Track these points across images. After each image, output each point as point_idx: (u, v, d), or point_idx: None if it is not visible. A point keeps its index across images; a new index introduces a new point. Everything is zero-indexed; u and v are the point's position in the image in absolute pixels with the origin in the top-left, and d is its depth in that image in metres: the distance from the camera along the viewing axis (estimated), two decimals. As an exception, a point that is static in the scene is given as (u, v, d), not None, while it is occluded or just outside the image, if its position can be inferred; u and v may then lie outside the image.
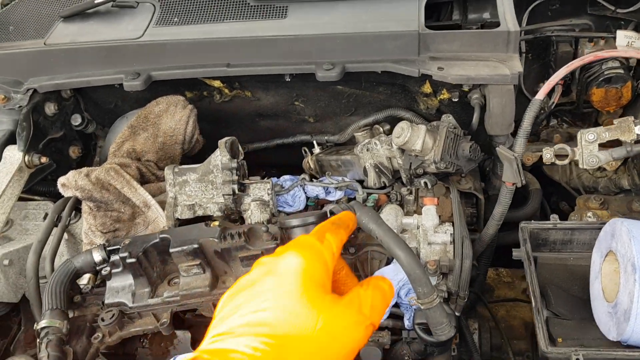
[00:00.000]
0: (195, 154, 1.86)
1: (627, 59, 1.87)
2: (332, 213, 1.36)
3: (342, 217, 1.00)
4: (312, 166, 1.91)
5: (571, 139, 2.04)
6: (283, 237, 1.31)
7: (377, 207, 1.70)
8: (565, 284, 1.45)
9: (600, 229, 1.36)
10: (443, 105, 1.73)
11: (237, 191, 1.50)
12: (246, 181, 1.54)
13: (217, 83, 1.80)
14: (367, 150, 1.65)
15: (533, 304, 1.27)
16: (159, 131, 1.69)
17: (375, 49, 1.60)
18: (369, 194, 1.70)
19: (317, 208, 1.72)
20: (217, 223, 1.34)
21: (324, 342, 0.70)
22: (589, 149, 1.41)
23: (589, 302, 1.38)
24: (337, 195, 1.71)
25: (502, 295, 2.02)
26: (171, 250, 1.29)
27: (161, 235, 1.34)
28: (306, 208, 1.69)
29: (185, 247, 1.29)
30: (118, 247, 1.35)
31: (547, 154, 1.45)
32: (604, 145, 1.41)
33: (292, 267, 0.74)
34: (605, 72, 1.87)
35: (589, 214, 1.71)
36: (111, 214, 1.53)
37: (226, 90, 1.84)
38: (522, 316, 1.95)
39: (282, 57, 1.65)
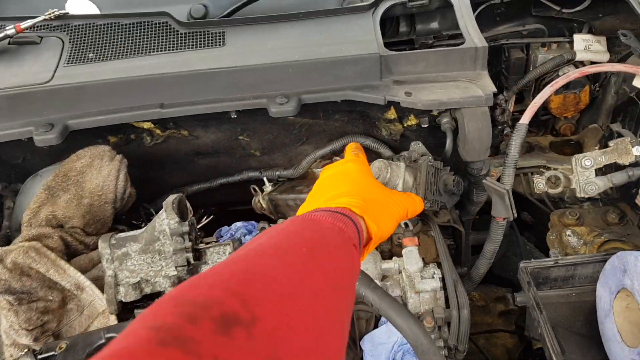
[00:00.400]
0: (129, 209, 1.58)
1: (582, 62, 1.80)
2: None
3: (353, 145, 1.34)
4: (264, 206, 1.69)
5: (531, 149, 1.96)
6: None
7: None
8: (570, 322, 1.33)
9: (604, 261, 1.25)
10: (408, 131, 1.56)
11: (192, 260, 1.25)
12: (202, 246, 1.30)
13: (147, 125, 1.53)
14: None
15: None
16: (83, 191, 1.40)
17: (333, 76, 1.41)
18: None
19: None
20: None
21: (386, 204, 1.08)
22: (585, 175, 1.29)
23: (597, 340, 1.27)
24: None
25: (479, 322, 1.90)
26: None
27: (108, 335, 1.08)
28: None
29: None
30: (53, 353, 1.07)
31: (540, 184, 1.33)
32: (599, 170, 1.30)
33: (354, 168, 1.15)
34: (563, 79, 1.79)
35: (568, 232, 1.62)
36: (36, 306, 1.23)
37: (158, 132, 1.58)
38: (503, 343, 1.84)
39: (225, 91, 1.42)
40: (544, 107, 1.90)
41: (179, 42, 1.48)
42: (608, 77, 1.75)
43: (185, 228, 1.25)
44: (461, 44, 1.45)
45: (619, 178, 1.28)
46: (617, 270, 1.20)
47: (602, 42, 1.73)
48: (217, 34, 1.48)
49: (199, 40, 1.48)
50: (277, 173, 1.67)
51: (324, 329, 0.64)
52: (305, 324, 0.61)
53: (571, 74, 1.31)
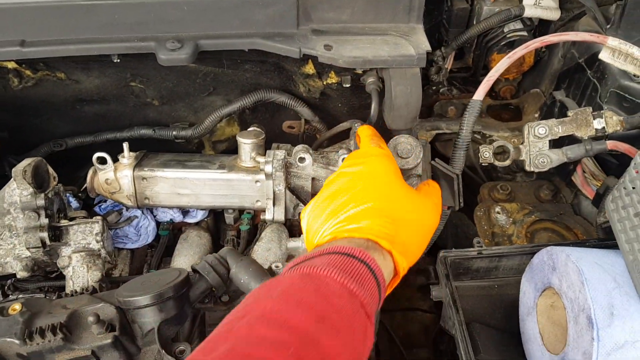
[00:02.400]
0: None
1: (530, 19, 1.61)
2: (195, 272, 0.97)
3: (370, 132, 1.00)
4: (120, 186, 1.22)
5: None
6: (123, 321, 0.88)
7: (255, 227, 1.32)
8: (488, 315, 1.20)
9: (532, 253, 1.11)
10: (329, 89, 1.35)
11: (48, 242, 1.02)
12: (63, 222, 1.06)
13: (11, 64, 1.25)
14: (283, 169, 1.19)
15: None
16: None
17: (240, 19, 1.16)
18: (241, 212, 1.30)
19: (173, 235, 1.29)
20: (18, 308, 0.87)
21: (419, 221, 0.85)
22: (538, 146, 1.13)
23: (516, 337, 1.15)
24: (200, 215, 1.29)
25: (397, 293, 1.76)
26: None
27: None
28: (157, 239, 1.25)
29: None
30: None
31: (486, 153, 1.16)
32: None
33: (381, 169, 0.87)
34: (508, 35, 1.61)
35: (497, 209, 1.48)
36: None
37: (27, 72, 1.30)
38: (420, 319, 1.73)
39: (103, 30, 1.15)
40: (484, 66, 1.71)
41: (46, -37, 1.18)
42: (556, 38, 1.57)
43: (41, 201, 1.01)
44: (395, -10, 1.23)
45: (575, 152, 1.12)
46: (546, 266, 1.06)
47: (554, -2, 1.54)
48: (97, -43, 1.19)
49: (73, -38, 1.18)
50: (174, 133, 1.40)
51: None
52: None
53: (531, 43, 1.12)
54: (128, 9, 1.13)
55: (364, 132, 0.99)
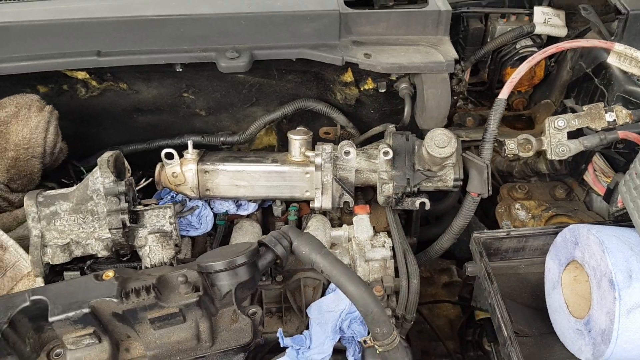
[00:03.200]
0: (58, 166, 1.45)
1: (539, 35, 1.78)
2: (262, 245, 1.10)
3: None
4: (185, 178, 1.35)
5: (484, 122, 1.93)
6: (205, 284, 1.01)
7: (300, 219, 1.45)
8: (517, 293, 1.32)
9: (555, 233, 1.24)
10: (364, 96, 1.50)
11: (128, 223, 1.15)
12: (139, 208, 1.20)
13: (81, 74, 1.40)
14: (331, 161, 1.32)
15: (503, 330, 1.12)
16: (7, 143, 1.27)
17: (289, 32, 1.32)
18: (287, 204, 1.44)
19: (227, 226, 1.42)
20: (111, 274, 1.00)
21: None
22: (558, 137, 1.27)
23: (543, 312, 1.27)
24: (251, 208, 1.42)
25: (423, 292, 1.88)
26: (51, 319, 0.94)
27: (33, 297, 0.97)
28: (214, 228, 1.38)
29: (71, 314, 0.94)
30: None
31: (511, 144, 1.30)
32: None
33: None
34: (520, 51, 1.77)
35: (517, 205, 1.61)
36: (-50, 267, 1.11)
37: (94, 83, 1.45)
38: (445, 314, 1.84)
39: (170, 42, 1.31)
40: (499, 80, 1.87)
41: (121, -15, 1.35)
42: (564, 53, 1.74)
43: (122, 188, 1.14)
44: (423, 6, 1.39)
45: (591, 141, 1.26)
46: (568, 242, 1.19)
47: (562, 16, 1.71)
48: (163, -22, 1.36)
49: (142, -16, 1.35)
50: (222, 139, 1.55)
51: None
52: None
53: (548, 49, 1.28)
54: (192, 22, 1.29)
55: None
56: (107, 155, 1.17)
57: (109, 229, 1.15)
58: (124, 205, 1.15)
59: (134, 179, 1.47)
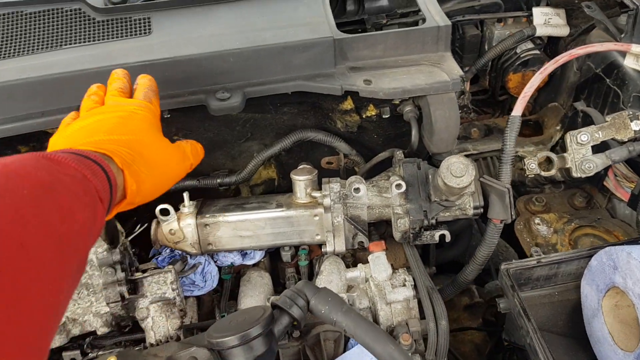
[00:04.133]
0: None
1: (540, 37, 1.70)
2: (276, 307, 1.00)
3: (149, 84, 1.06)
4: (185, 235, 1.23)
5: (490, 132, 1.85)
6: (219, 363, 0.91)
7: (311, 262, 1.35)
8: (552, 322, 1.23)
9: (590, 256, 1.15)
10: (366, 122, 1.41)
11: (127, 295, 1.05)
12: (137, 275, 1.10)
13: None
14: (341, 200, 1.23)
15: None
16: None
17: (282, 65, 1.22)
18: (297, 250, 1.34)
19: (234, 278, 1.32)
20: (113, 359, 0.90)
21: (162, 165, 0.95)
22: (582, 153, 1.18)
23: (584, 341, 1.18)
24: (258, 256, 1.32)
25: (443, 317, 1.79)
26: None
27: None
28: (220, 283, 1.28)
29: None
30: None
31: (532, 164, 1.21)
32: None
33: (142, 116, 0.96)
34: (522, 56, 1.69)
35: (537, 220, 1.52)
36: None
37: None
38: (470, 339, 1.74)
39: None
40: (501, 87, 1.79)
41: (97, 32, 1.25)
42: (569, 53, 1.65)
43: (117, 256, 1.04)
44: (418, 22, 1.30)
45: (619, 154, 1.17)
46: (606, 266, 1.10)
47: (562, 15, 1.63)
48: (142, 21, 1.26)
49: (120, 28, 1.25)
50: (218, 180, 1.44)
51: (28, 290, 0.54)
52: None
53: (560, 57, 1.19)
54: (177, 65, 1.19)
55: (144, 84, 1.04)
56: (97, 222, 1.06)
57: (107, 303, 1.05)
58: (121, 275, 1.05)
59: (128, 226, 1.39)
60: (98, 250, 1.05)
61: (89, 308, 1.07)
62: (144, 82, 1.05)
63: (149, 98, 1.01)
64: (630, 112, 1.19)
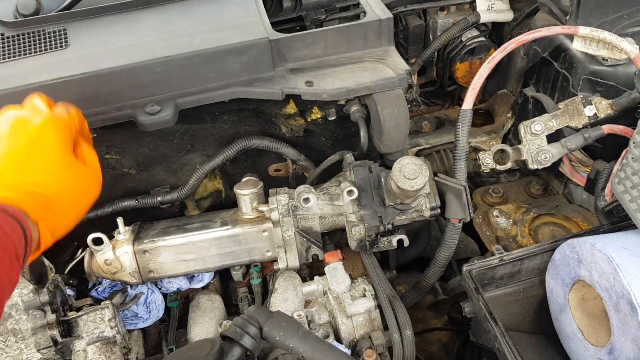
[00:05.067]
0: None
1: (484, 24, 1.66)
2: (226, 338, 0.91)
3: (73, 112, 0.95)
4: (121, 264, 1.13)
5: (441, 124, 1.80)
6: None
7: (264, 279, 1.27)
8: (519, 320, 1.19)
9: (552, 249, 1.11)
10: (312, 125, 1.33)
11: (60, 338, 0.94)
12: (71, 314, 0.99)
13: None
14: (290, 213, 1.15)
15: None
16: None
17: (215, 71, 1.13)
18: (248, 267, 1.25)
19: (182, 304, 1.22)
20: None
21: (78, 193, 0.88)
22: (536, 143, 1.14)
23: (552, 337, 1.14)
24: (206, 278, 1.23)
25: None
26: None
27: None
28: (167, 312, 1.19)
29: None
30: None
31: (487, 159, 1.16)
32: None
33: (56, 136, 0.85)
34: (468, 44, 1.65)
35: (495, 212, 1.48)
36: None
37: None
38: (438, 338, 1.69)
39: (78, 105, 1.09)
40: (449, 77, 1.74)
41: (7, 48, 1.14)
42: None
43: (45, 297, 0.94)
44: (359, 15, 1.23)
45: (575, 142, 1.13)
46: (570, 260, 1.06)
47: (505, 0, 1.59)
48: (57, 33, 1.15)
49: (33, 43, 1.14)
50: (159, 199, 1.34)
51: None
52: None
53: (508, 44, 1.15)
54: (99, 79, 1.09)
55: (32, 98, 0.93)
56: (18, 261, 0.95)
57: (38, 350, 0.94)
58: (51, 317, 0.95)
59: (69, 253, 1.28)
60: (23, 292, 0.94)
61: (19, 356, 0.96)
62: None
63: (65, 110, 0.92)
64: (583, 98, 1.15)
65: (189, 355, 0.87)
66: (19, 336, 0.96)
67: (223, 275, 1.30)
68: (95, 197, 0.93)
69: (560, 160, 1.48)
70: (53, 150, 0.84)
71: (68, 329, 0.98)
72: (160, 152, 1.40)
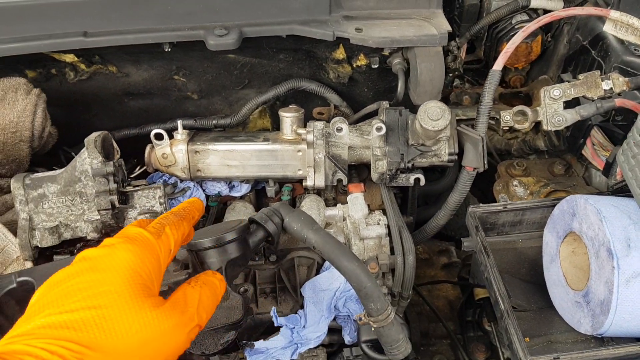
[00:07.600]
0: (48, 151, 1.43)
1: (535, 10, 1.75)
2: (253, 222, 1.07)
3: (188, 206, 0.85)
4: (176, 159, 1.33)
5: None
6: (195, 262, 0.99)
7: (293, 199, 1.43)
8: (515, 268, 1.31)
9: (553, 206, 1.22)
10: (357, 73, 1.48)
11: (117, 204, 1.13)
12: (129, 188, 1.18)
13: (69, 57, 1.38)
14: (323, 138, 1.30)
15: (500, 304, 1.10)
16: (-6, 127, 1.25)
17: (278, 8, 1.30)
18: (281, 185, 1.42)
19: (220, 208, 1.40)
20: (99, 253, 0.98)
21: (136, 350, 0.62)
22: (553, 107, 1.25)
23: (542, 287, 1.25)
24: (244, 189, 1.40)
25: (422, 274, 1.87)
26: (37, 300, 0.92)
27: (20, 279, 0.95)
28: (207, 209, 1.37)
29: (57, 295, 0.92)
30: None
31: (507, 116, 1.28)
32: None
33: (119, 264, 0.65)
34: (516, 26, 1.74)
35: (515, 182, 1.58)
36: (-63, 252, 1.09)
37: (82, 66, 1.42)
38: (445, 295, 1.81)
39: (158, 20, 1.28)
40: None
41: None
42: (561, 26, 1.71)
43: (110, 168, 1.13)
44: (415, -21, 1.37)
45: (587, 110, 1.24)
46: (566, 214, 1.17)
47: (557, -11, 1.68)
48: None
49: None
50: (214, 122, 1.52)
51: None
52: None
53: (542, 18, 1.26)
54: (180, 0, 1.27)
55: (167, 212, 0.82)
56: (94, 135, 1.15)
57: (98, 210, 1.14)
58: (113, 186, 1.13)
59: (129, 167, 1.47)
60: (93, 162, 1.13)
61: (81, 215, 1.16)
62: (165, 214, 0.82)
63: (160, 229, 0.75)
64: (602, 73, 1.25)
65: (220, 227, 1.04)
66: (84, 198, 1.16)
67: (258, 193, 1.47)
68: (178, 348, 0.68)
69: (583, 144, 1.58)
70: (117, 281, 0.64)
71: (125, 199, 1.17)
72: (220, 82, 1.58)
